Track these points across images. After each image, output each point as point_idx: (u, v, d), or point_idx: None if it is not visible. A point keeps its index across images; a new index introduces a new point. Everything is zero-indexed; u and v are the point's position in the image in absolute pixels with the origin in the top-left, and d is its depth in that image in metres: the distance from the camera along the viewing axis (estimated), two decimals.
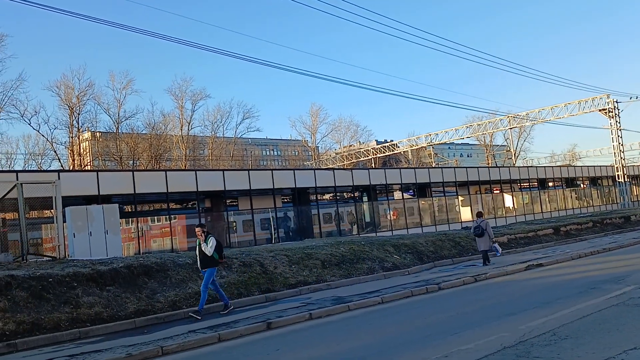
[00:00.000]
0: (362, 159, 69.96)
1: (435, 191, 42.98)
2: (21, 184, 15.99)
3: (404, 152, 72.26)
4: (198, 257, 12.61)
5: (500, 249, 21.87)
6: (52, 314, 11.42)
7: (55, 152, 54.42)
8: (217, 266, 12.73)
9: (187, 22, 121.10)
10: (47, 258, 16.18)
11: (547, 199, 50.61)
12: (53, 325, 11.09)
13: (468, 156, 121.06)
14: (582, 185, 57.86)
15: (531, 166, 63.01)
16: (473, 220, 20.91)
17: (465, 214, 42.19)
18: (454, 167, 50.58)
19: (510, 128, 61.78)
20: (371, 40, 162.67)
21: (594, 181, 58.57)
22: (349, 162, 68.65)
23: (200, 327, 10.94)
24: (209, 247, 12.37)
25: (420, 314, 11.42)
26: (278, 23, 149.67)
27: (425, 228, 36.40)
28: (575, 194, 55.13)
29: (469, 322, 9.80)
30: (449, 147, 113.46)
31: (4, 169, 50.09)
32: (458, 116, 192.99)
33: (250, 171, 34.08)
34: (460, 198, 43.23)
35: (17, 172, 25.12)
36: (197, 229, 12.91)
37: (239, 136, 73.18)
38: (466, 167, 49.46)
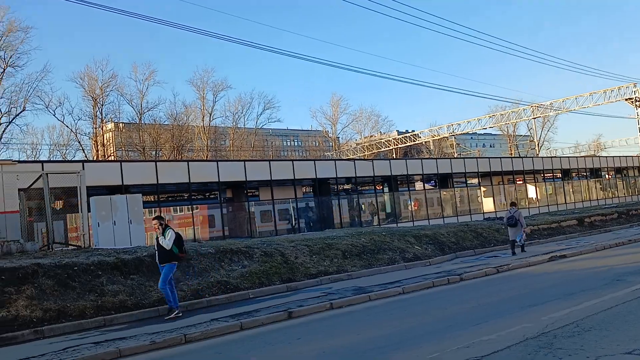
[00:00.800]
0: (383, 149, 69.76)
1: (457, 182, 42.67)
2: (46, 174, 16.26)
3: (425, 142, 71.78)
4: (156, 252, 11.76)
5: (524, 239, 21.58)
6: (78, 301, 11.62)
7: (79, 142, 55.21)
8: (177, 261, 11.82)
9: (207, 13, 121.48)
10: (72, 247, 16.48)
11: (571, 190, 49.90)
12: (78, 313, 11.30)
13: (491, 146, 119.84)
14: (607, 176, 56.93)
15: (555, 156, 62.18)
16: (507, 210, 20.73)
17: (488, 204, 41.86)
18: (477, 158, 50.09)
19: (534, 118, 61.01)
20: (392, 29, 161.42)
21: (620, 172, 57.57)
22: (369, 152, 68.47)
23: (223, 316, 11.05)
24: (166, 240, 11.45)
25: (442, 305, 11.38)
26: (298, 12, 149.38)
27: (446, 219, 36.22)
28: (600, 184, 54.27)
29: (490, 313, 9.76)
30: (471, 138, 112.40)
31: (29, 159, 50.89)
32: (481, 106, 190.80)
33: (271, 162, 34.21)
34: (482, 189, 42.87)
35: (42, 162, 25.52)
36: (153, 222, 11.97)
37: (259, 127, 73.42)
38: (489, 158, 48.98)
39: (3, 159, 39.27)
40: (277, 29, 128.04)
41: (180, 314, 11.41)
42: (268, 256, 15.71)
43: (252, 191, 33.54)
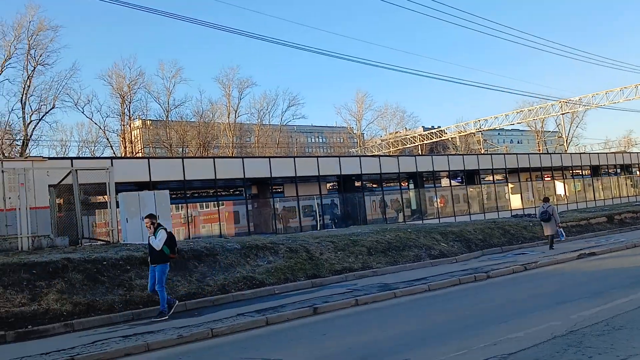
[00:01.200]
0: (408, 145, 69.27)
1: (484, 178, 42.24)
2: (76, 170, 16.56)
3: (451, 138, 71.12)
4: (148, 251, 11.66)
5: (564, 234, 21.47)
6: (107, 296, 11.83)
7: (107, 139, 55.80)
8: (168, 262, 11.55)
9: (231, 9, 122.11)
10: (101, 242, 16.76)
11: (600, 187, 49.01)
12: (107, 307, 11.49)
13: (518, 142, 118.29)
14: (637, 172, 55.72)
15: (584, 153, 60.99)
16: (540, 205, 20.54)
17: (515, 201, 41.35)
18: (504, 154, 49.47)
19: (562, 114, 60.02)
20: (417, 24, 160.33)
21: None
22: (395, 148, 68.06)
23: (249, 311, 11.13)
24: (157, 241, 11.28)
25: (468, 302, 11.29)
26: (322, 8, 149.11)
27: (473, 216, 35.85)
28: (631, 181, 53.17)
29: (518, 311, 9.65)
30: (499, 134, 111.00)
31: (59, 156, 51.74)
32: (508, 101, 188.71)
33: (295, 158, 34.27)
34: (510, 185, 42.37)
35: (71, 159, 26.06)
36: (145, 220, 11.82)
37: (284, 123, 73.53)
38: (516, 154, 48.33)
39: (33, 155, 40.07)
40: (302, 25, 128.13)
41: (167, 317, 10.99)
42: (293, 252, 15.77)
43: (277, 188, 33.68)
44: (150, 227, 11.56)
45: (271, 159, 32.75)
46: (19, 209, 14.74)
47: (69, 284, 11.82)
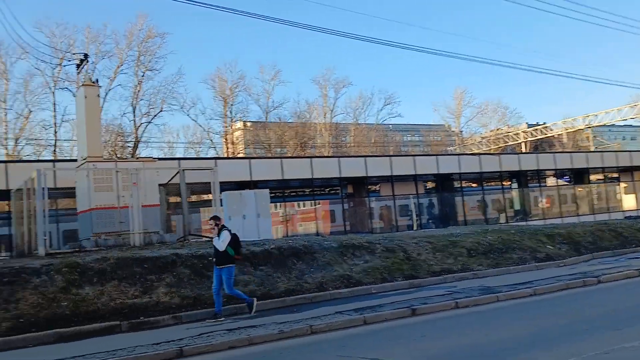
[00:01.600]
0: (510, 143, 66.62)
1: (594, 177, 39.89)
2: (183, 170, 17.42)
3: (557, 135, 67.64)
4: (214, 253, 11.67)
5: None
6: (211, 290, 12.32)
7: (211, 140, 58.20)
8: (234, 264, 11.50)
9: (325, 10, 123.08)
10: (206, 239, 17.51)
11: None
12: (212, 301, 11.94)
13: (632, 139, 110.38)
14: None
15: None
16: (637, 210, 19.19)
17: (629, 202, 38.75)
18: (616, 151, 46.40)
19: None
20: (520, 16, 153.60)
21: None
22: (495, 146, 65.74)
23: (346, 309, 11.18)
24: (220, 242, 11.27)
25: (577, 308, 10.69)
26: (418, 2, 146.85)
27: (582, 217, 33.99)
28: None
29: (632, 318, 9.02)
30: (610, 130, 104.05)
31: (166, 156, 54.57)
32: (621, 96, 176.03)
33: (391, 157, 34.11)
34: (622, 185, 39.72)
35: (178, 159, 27.46)
36: (209, 222, 11.91)
37: (380, 122, 73.32)
38: (630, 151, 45.22)
39: (144, 156, 42.58)
40: (397, 22, 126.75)
41: (223, 318, 11.04)
42: (390, 252, 15.67)
43: (373, 187, 33.65)
44: (214, 229, 11.55)
45: (367, 158, 32.84)
46: (132, 206, 15.68)
47: (177, 278, 12.45)
